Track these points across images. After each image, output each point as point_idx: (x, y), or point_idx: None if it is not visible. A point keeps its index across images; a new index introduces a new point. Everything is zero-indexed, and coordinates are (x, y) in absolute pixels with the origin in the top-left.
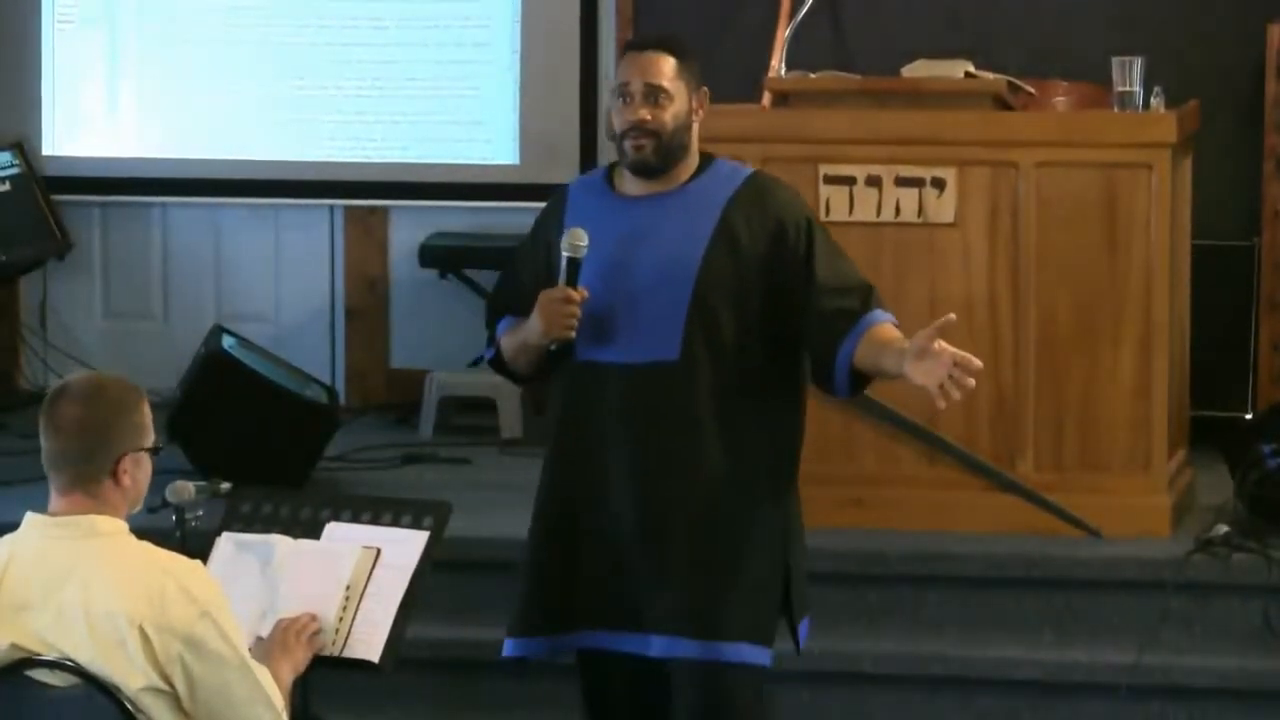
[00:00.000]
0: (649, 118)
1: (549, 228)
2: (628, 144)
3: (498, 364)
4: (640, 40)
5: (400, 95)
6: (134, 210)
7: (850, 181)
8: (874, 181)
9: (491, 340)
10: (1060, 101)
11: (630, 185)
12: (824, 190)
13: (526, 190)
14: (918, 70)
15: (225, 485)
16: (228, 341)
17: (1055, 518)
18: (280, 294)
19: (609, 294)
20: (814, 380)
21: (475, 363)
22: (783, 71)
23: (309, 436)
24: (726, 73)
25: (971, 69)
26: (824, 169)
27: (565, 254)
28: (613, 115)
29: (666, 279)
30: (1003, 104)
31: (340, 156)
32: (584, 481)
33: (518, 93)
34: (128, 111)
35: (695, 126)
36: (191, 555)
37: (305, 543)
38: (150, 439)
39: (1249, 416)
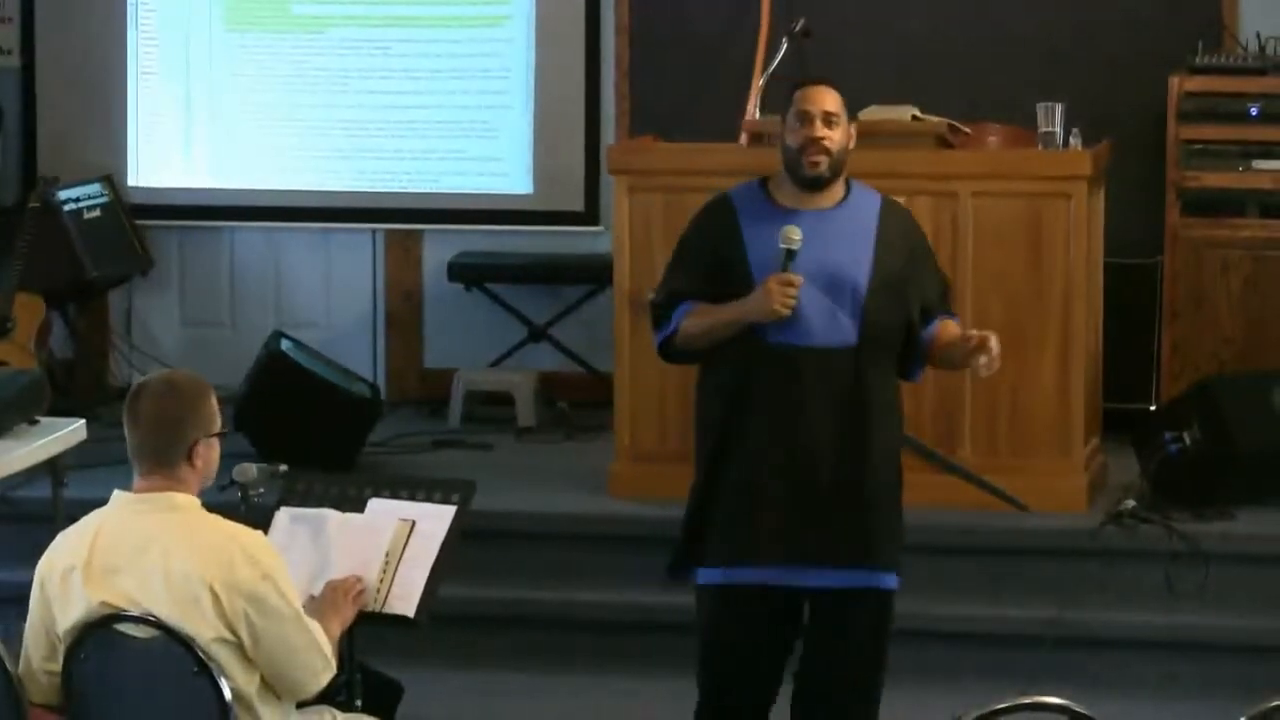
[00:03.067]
0: (825, 136)
1: (717, 229)
2: (806, 159)
3: (670, 346)
4: (813, 78)
5: (432, 135)
6: (206, 233)
7: None
8: None
9: (663, 324)
10: (993, 141)
11: (790, 199)
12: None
13: (538, 216)
14: (872, 114)
15: (283, 467)
16: (285, 345)
17: (989, 495)
18: (330, 304)
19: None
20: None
21: (496, 363)
22: (758, 114)
23: (354, 426)
24: (711, 116)
25: (918, 113)
26: None
27: (784, 246)
28: (788, 136)
29: (846, 280)
30: (944, 143)
31: (381, 187)
32: (781, 440)
33: (531, 133)
34: (200, 149)
35: (849, 153)
36: (254, 527)
37: (351, 516)
38: (218, 427)
39: (1152, 408)
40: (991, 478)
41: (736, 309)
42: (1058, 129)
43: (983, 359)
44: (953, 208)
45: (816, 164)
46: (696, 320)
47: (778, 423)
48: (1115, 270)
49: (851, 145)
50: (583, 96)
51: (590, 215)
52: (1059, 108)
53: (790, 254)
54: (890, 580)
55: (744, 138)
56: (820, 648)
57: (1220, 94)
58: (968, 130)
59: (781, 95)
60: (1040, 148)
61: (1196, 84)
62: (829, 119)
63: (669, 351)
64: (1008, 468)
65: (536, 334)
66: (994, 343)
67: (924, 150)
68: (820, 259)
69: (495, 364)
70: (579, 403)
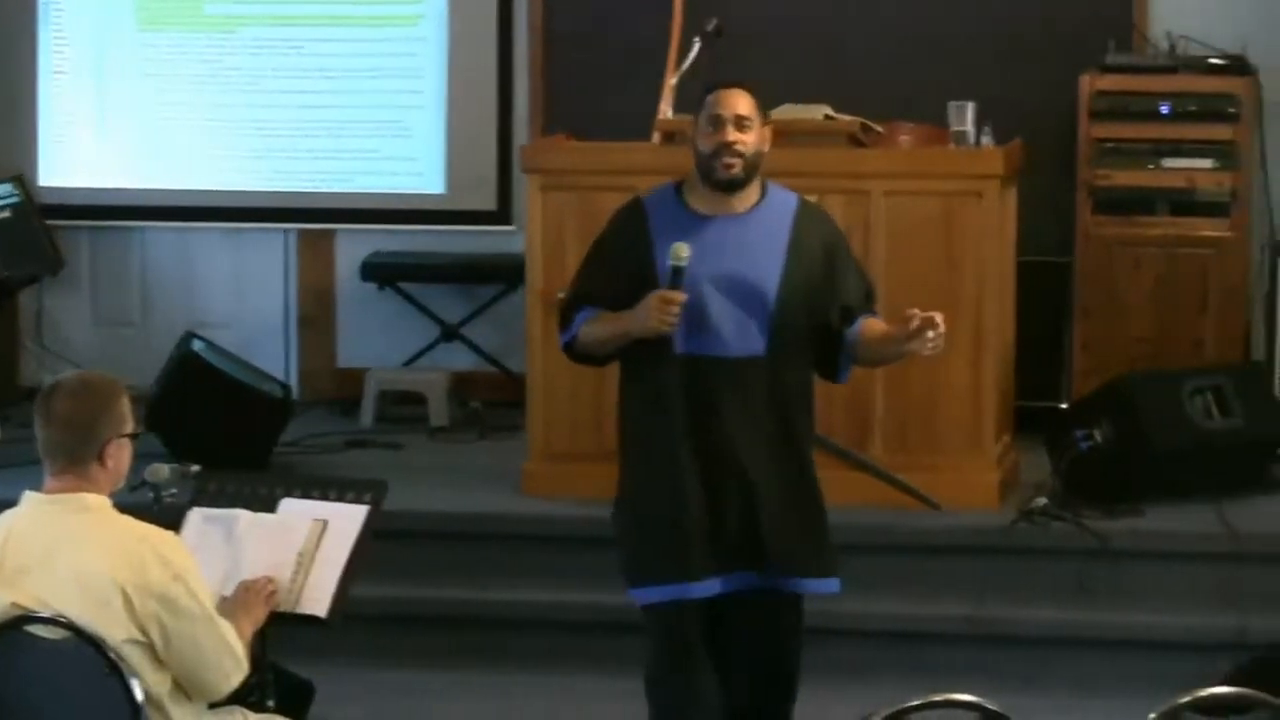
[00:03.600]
0: (737, 140)
1: (629, 235)
2: (718, 163)
3: (571, 349)
4: (725, 81)
5: (345, 135)
6: (118, 233)
7: None
8: None
9: (567, 325)
10: (905, 140)
11: (704, 204)
12: None
13: (452, 215)
14: (785, 113)
15: (195, 467)
16: (197, 345)
17: (902, 493)
18: (243, 304)
19: (706, 298)
20: (817, 366)
21: (409, 362)
22: (671, 113)
23: (267, 426)
24: (624, 115)
25: (831, 112)
26: None
27: (671, 263)
28: (700, 140)
29: (755, 287)
30: (857, 142)
31: (294, 187)
32: (701, 451)
33: (445, 133)
34: (112, 149)
35: (763, 157)
36: (166, 527)
37: (263, 516)
38: (130, 427)
39: (1063, 406)
40: (904, 476)
41: (623, 322)
42: (970, 128)
43: (930, 333)
44: (865, 207)
45: (730, 167)
46: (593, 328)
47: (691, 435)
48: (1027, 269)
49: (766, 148)
50: (496, 96)
51: (503, 215)
52: (971, 107)
53: (677, 270)
54: (821, 585)
55: (657, 136)
56: (751, 648)
57: (1131, 93)
58: (880, 129)
59: (695, 95)
60: (952, 146)
61: (1108, 83)
62: (741, 122)
63: (572, 354)
64: (920, 465)
65: (449, 334)
66: (939, 318)
67: (837, 149)
68: (731, 268)
69: (408, 364)
70: (492, 402)
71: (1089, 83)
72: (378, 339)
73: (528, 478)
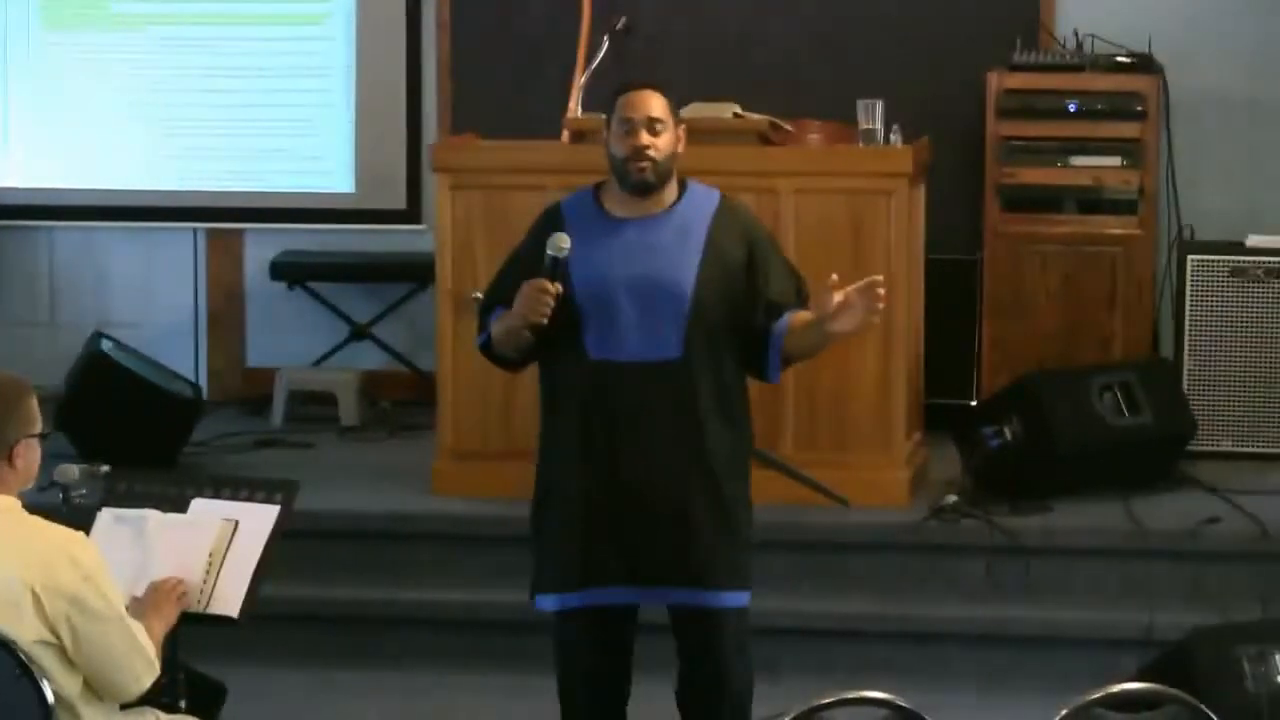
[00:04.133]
0: (650, 144)
1: (543, 238)
2: (631, 167)
3: (488, 349)
4: (636, 82)
5: (253, 134)
6: (25, 233)
7: None
8: None
9: (483, 327)
10: (814, 138)
11: (620, 207)
12: None
13: (360, 215)
14: (693, 111)
15: (104, 467)
16: (106, 344)
17: (811, 489)
18: (151, 303)
19: (618, 303)
20: (746, 368)
21: (318, 362)
22: (580, 112)
23: (176, 425)
24: (533, 113)
25: (739, 110)
26: None
27: (550, 253)
28: (613, 144)
29: (668, 289)
30: (765, 140)
31: (202, 186)
32: (607, 458)
33: (353, 132)
34: (19, 148)
35: (677, 157)
36: (76, 528)
37: (173, 516)
38: (39, 427)
39: (973, 404)
40: (813, 472)
41: (510, 315)
42: (878, 126)
43: (877, 312)
44: (774, 205)
45: (643, 170)
46: (499, 325)
47: (602, 441)
48: (936, 266)
49: (681, 148)
50: (404, 94)
51: (412, 214)
52: (879, 105)
53: (555, 260)
54: (727, 599)
55: (566, 135)
56: (682, 660)
57: (1038, 91)
58: (789, 127)
59: (604, 93)
60: (861, 145)
61: (1015, 81)
62: (653, 125)
63: (489, 356)
64: (829, 462)
65: (359, 333)
66: (880, 279)
67: (745, 147)
68: (643, 270)
69: (318, 363)
70: (402, 401)
71: (996, 81)
72: (287, 338)
73: (438, 477)
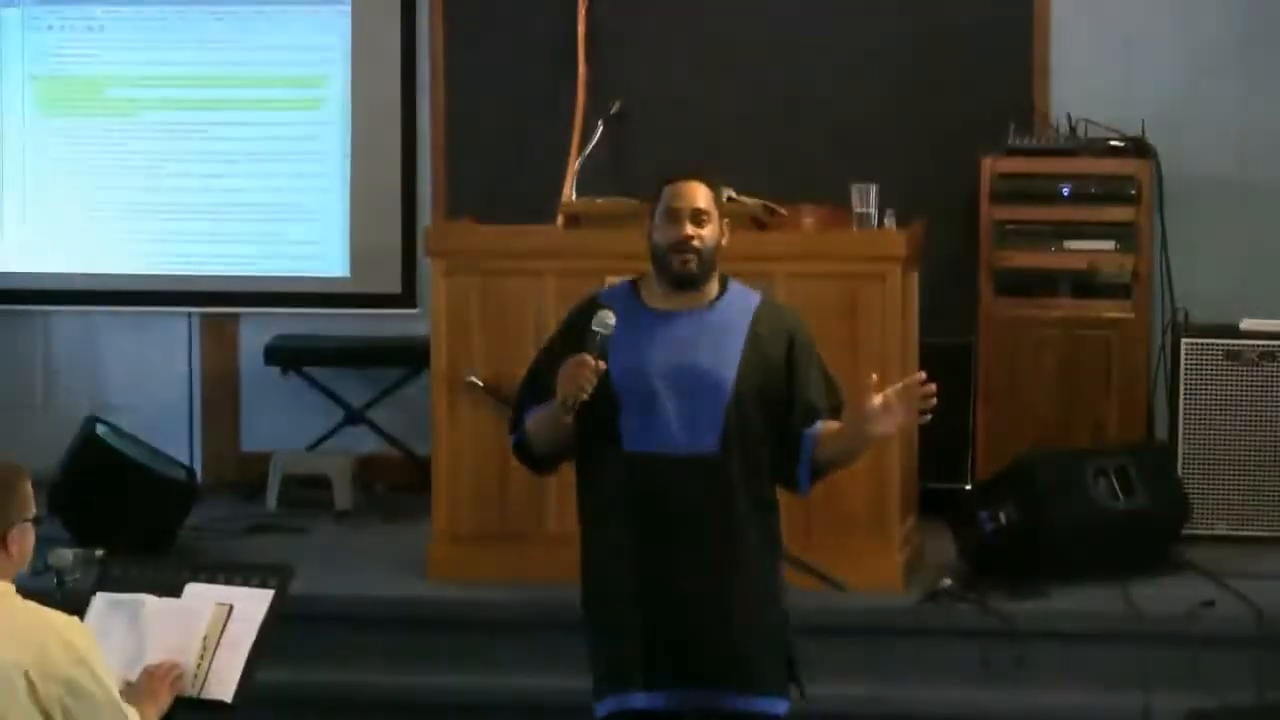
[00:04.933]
0: (695, 235)
1: (578, 331)
2: (675, 258)
3: (522, 449)
4: (683, 172)
5: (248, 219)
6: (19, 317)
7: None
8: None
9: (516, 426)
10: (808, 222)
11: (660, 300)
12: None
13: (355, 299)
14: None
15: (99, 552)
16: (100, 429)
17: (807, 575)
18: (146, 387)
19: (656, 393)
20: (776, 477)
21: (313, 446)
22: (574, 197)
23: (171, 510)
24: (528, 198)
25: (734, 194)
26: (609, 279)
27: (595, 329)
28: (656, 233)
29: (708, 383)
30: (759, 224)
31: (197, 271)
32: (641, 555)
33: (348, 216)
34: (13, 232)
35: (720, 250)
36: (70, 612)
37: (168, 600)
38: (33, 511)
39: (967, 488)
40: (808, 557)
41: (552, 406)
42: (872, 209)
43: (926, 412)
44: (769, 289)
45: (687, 263)
46: (535, 420)
47: (631, 535)
48: (930, 350)
49: (725, 240)
50: (399, 179)
51: (407, 298)
52: (873, 188)
53: (601, 337)
54: (767, 704)
55: (561, 219)
56: None
57: (1032, 175)
58: (783, 211)
59: (597, 177)
60: (855, 228)
61: (1008, 165)
62: (699, 216)
63: (524, 455)
64: (825, 547)
65: (354, 417)
66: (922, 376)
67: (740, 231)
68: (683, 361)
69: (312, 447)
70: (397, 486)
71: (990, 165)
72: (281, 422)
73: (433, 561)
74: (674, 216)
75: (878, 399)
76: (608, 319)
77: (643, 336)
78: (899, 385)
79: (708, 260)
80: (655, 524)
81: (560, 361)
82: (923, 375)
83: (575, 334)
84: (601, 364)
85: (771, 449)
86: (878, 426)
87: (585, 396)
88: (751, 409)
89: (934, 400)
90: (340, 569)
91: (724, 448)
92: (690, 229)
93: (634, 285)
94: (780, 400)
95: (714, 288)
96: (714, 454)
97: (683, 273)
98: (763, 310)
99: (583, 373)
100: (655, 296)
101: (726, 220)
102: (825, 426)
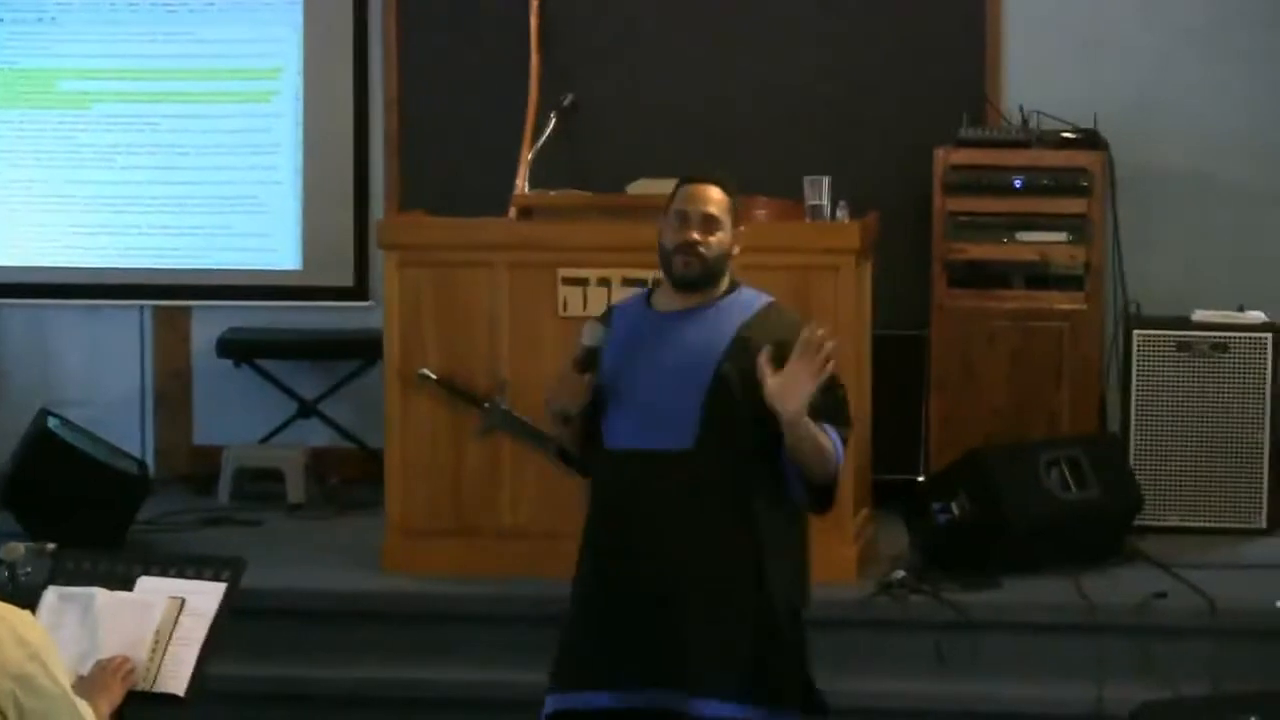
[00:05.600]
0: (701, 240)
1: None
2: (677, 259)
3: (561, 456)
4: (699, 175)
5: (200, 211)
6: None
7: (584, 283)
8: (604, 282)
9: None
10: (761, 214)
11: (666, 302)
12: (562, 290)
13: (307, 292)
14: (640, 188)
15: (51, 546)
16: (52, 423)
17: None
18: (98, 381)
19: (635, 388)
20: (791, 495)
21: (266, 439)
22: (526, 189)
23: (123, 504)
24: (480, 190)
25: None
26: (562, 272)
27: (583, 341)
28: (665, 234)
29: (686, 378)
30: None
31: (149, 264)
32: (611, 552)
33: (300, 208)
34: None
35: (731, 259)
36: (22, 606)
37: (120, 594)
38: None
39: (921, 479)
40: None
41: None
42: (825, 202)
43: (823, 368)
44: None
45: (687, 265)
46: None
47: (612, 534)
48: (883, 342)
49: (736, 250)
50: (352, 171)
51: (360, 290)
52: (826, 181)
53: (586, 350)
54: (721, 709)
55: (513, 212)
56: None
57: (985, 166)
58: None
59: (550, 170)
60: (808, 220)
61: (961, 157)
62: (708, 223)
63: (566, 463)
64: None
65: (306, 410)
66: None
67: None
68: (668, 357)
69: (265, 440)
70: (350, 478)
71: (943, 157)
72: (234, 416)
73: (386, 554)
74: (683, 219)
75: (773, 377)
76: (595, 332)
77: (636, 337)
78: (794, 350)
79: (712, 266)
80: (624, 521)
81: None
82: (817, 330)
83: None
84: (588, 377)
85: (769, 462)
86: (787, 402)
87: (573, 410)
88: (734, 410)
89: (831, 349)
90: (293, 562)
91: (701, 443)
92: (696, 234)
93: (650, 291)
94: (759, 402)
95: (719, 290)
96: (687, 450)
97: (683, 274)
98: (761, 314)
99: (567, 386)
100: (663, 299)
101: (742, 229)
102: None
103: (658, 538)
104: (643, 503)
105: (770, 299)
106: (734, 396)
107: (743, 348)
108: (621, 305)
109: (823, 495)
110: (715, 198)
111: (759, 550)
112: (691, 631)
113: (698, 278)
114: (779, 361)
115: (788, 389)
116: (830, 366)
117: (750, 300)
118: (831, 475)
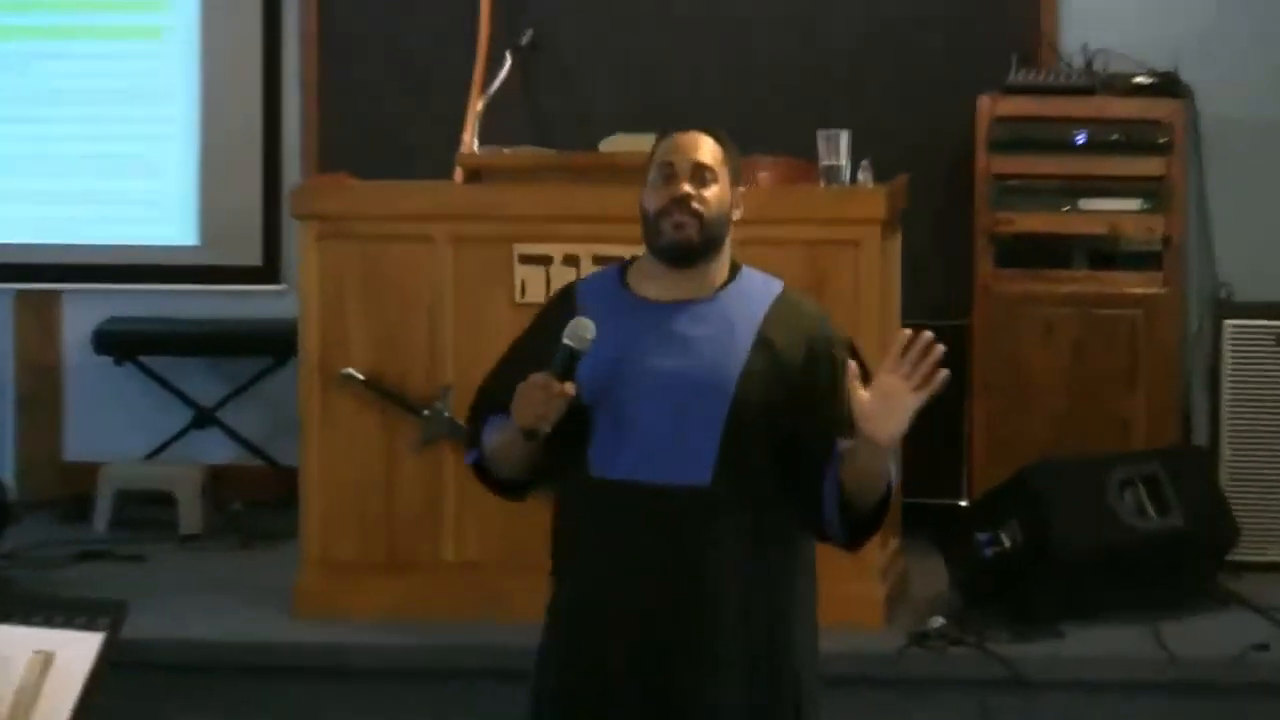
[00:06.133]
0: (694, 193)
1: (551, 327)
2: (667, 223)
3: (481, 471)
4: (682, 125)
5: (74, 174)
6: None
7: (547, 261)
8: (571, 261)
9: (473, 441)
10: (763, 176)
11: (652, 287)
12: (520, 271)
13: (206, 273)
14: (616, 144)
15: None
16: None
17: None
18: None
19: (636, 404)
20: (806, 526)
21: (153, 454)
22: (476, 147)
23: None
24: (419, 148)
25: None
26: (519, 248)
27: (566, 341)
28: (647, 196)
29: (701, 395)
30: None
31: (9, 238)
32: (612, 612)
33: (197, 171)
34: None
35: (731, 226)
36: None
37: None
38: None
39: (963, 503)
40: None
41: (512, 426)
42: (844, 162)
43: (931, 380)
44: None
45: (681, 226)
46: (491, 436)
47: (596, 583)
48: None
49: (737, 214)
50: (260, 125)
51: (270, 271)
52: (844, 136)
53: (572, 353)
54: None
55: (458, 174)
56: None
57: (1039, 119)
58: None
59: (504, 123)
60: (822, 184)
61: (1010, 107)
62: (701, 173)
63: (486, 479)
64: None
65: (203, 419)
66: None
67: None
68: (674, 365)
69: (152, 456)
70: (257, 503)
71: (988, 107)
72: (115, 425)
73: (301, 596)
74: (669, 173)
75: (864, 391)
76: (585, 331)
77: (622, 333)
78: (886, 361)
79: (711, 229)
80: (622, 569)
81: (527, 364)
82: (908, 332)
83: (546, 331)
84: (569, 388)
85: (787, 489)
86: (887, 427)
87: (548, 429)
88: (755, 428)
89: (940, 356)
90: (187, 607)
91: (718, 478)
92: (689, 187)
93: (622, 270)
94: (793, 420)
95: (720, 273)
96: (703, 487)
97: (677, 240)
98: (780, 307)
99: (541, 398)
100: (645, 282)
101: (743, 190)
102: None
103: (665, 593)
104: (646, 552)
105: (779, 283)
106: (758, 418)
107: (766, 353)
108: (586, 286)
109: (868, 526)
110: (707, 145)
111: (786, 607)
112: (709, 712)
113: (696, 244)
114: (808, 354)
115: (891, 410)
116: (941, 380)
117: (760, 287)
118: (883, 501)
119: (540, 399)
